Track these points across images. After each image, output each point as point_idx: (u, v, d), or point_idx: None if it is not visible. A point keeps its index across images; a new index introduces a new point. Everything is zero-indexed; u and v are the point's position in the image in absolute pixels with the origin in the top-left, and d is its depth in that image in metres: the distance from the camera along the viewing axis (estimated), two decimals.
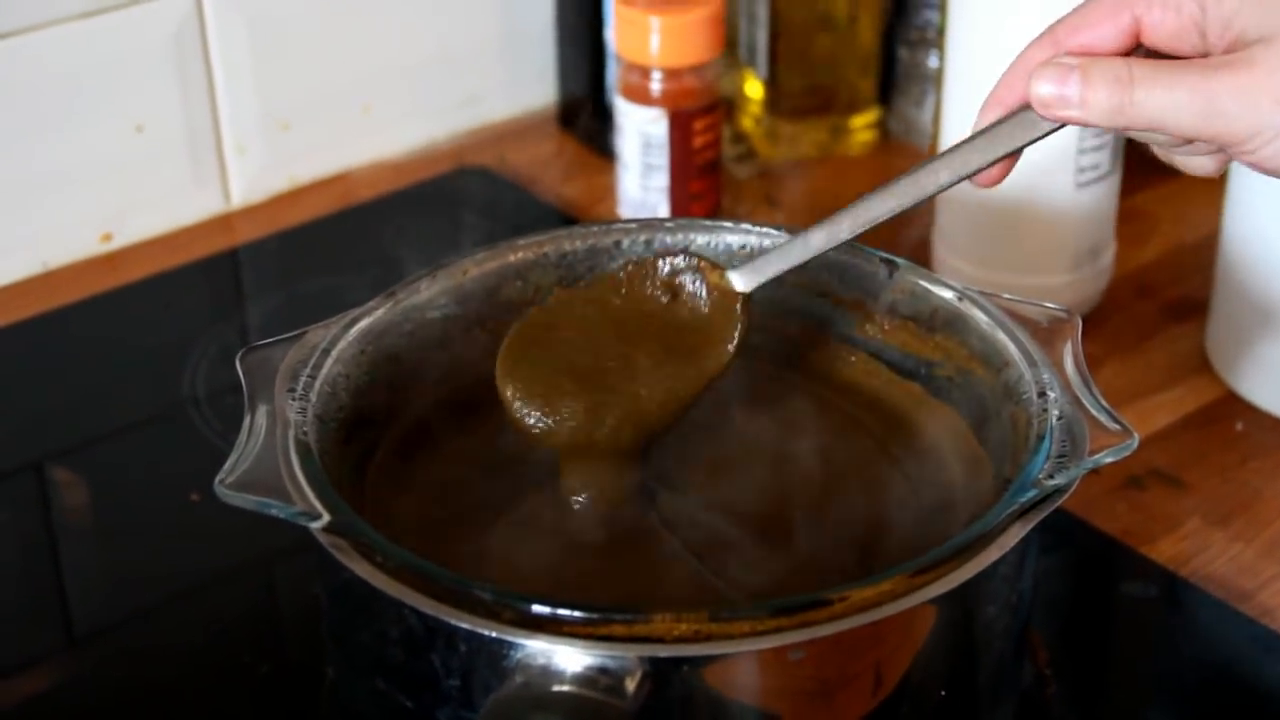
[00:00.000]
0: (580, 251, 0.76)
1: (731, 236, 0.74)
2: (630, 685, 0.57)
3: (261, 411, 0.66)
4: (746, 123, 1.11)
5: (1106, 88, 0.60)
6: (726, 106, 1.07)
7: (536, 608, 0.57)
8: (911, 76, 1.11)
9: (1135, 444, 0.63)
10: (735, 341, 0.69)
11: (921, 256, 0.95)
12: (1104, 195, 0.91)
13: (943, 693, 0.63)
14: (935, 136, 1.03)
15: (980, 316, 0.71)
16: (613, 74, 1.06)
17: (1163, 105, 0.59)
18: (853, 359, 0.76)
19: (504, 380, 0.69)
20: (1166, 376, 0.91)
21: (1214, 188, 0.97)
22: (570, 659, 0.57)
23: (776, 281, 0.76)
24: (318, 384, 0.68)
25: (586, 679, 0.57)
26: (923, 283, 0.74)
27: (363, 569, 0.60)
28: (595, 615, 0.57)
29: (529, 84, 1.15)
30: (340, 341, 0.70)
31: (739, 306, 0.69)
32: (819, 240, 0.67)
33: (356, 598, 0.62)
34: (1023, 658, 0.69)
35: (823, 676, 0.59)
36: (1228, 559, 0.80)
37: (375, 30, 1.07)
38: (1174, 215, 1.04)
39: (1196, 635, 0.77)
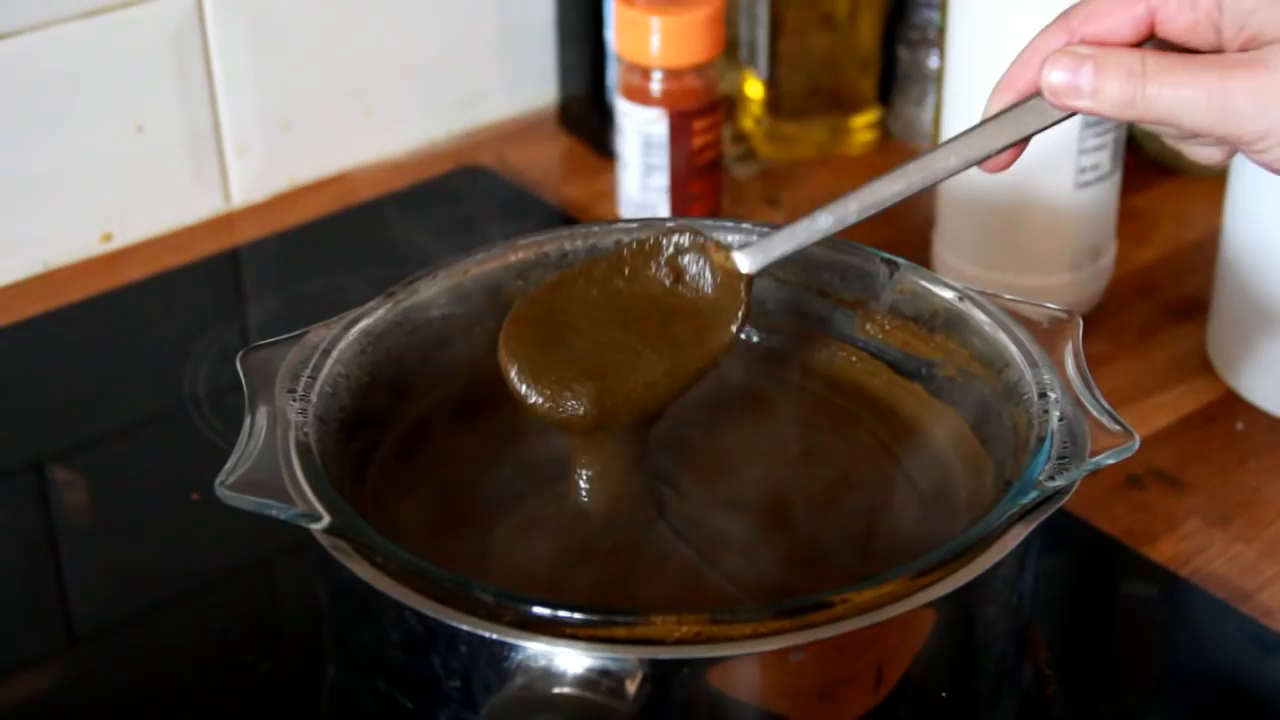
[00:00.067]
0: (580, 251, 0.76)
1: (732, 237, 0.74)
2: (631, 687, 0.57)
3: (262, 412, 0.66)
4: (747, 123, 1.11)
5: (1119, 80, 0.60)
6: (727, 106, 1.07)
7: (537, 609, 0.57)
8: (912, 76, 1.11)
9: (1136, 445, 0.63)
10: (738, 323, 0.68)
11: (922, 256, 0.95)
12: (1104, 195, 0.91)
13: (943, 693, 0.63)
14: (935, 136, 1.03)
15: (981, 317, 0.71)
16: (613, 74, 1.06)
17: (1175, 101, 0.59)
18: (854, 359, 0.76)
19: (506, 357, 0.68)
20: (1167, 376, 0.91)
21: (1214, 188, 0.97)
22: (571, 661, 0.57)
23: (778, 282, 0.77)
24: (318, 384, 0.68)
25: (587, 681, 0.57)
26: (924, 283, 0.73)
27: (363, 570, 0.60)
28: (596, 617, 0.57)
29: (529, 84, 1.15)
30: (341, 342, 0.70)
31: (743, 287, 0.68)
32: (826, 222, 0.66)
33: (357, 598, 0.62)
34: (1023, 657, 0.69)
35: (824, 678, 0.59)
36: (1228, 559, 0.80)
37: (376, 30, 1.07)
38: (1174, 215, 1.04)
39: (1196, 635, 0.77)
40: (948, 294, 0.73)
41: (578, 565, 0.67)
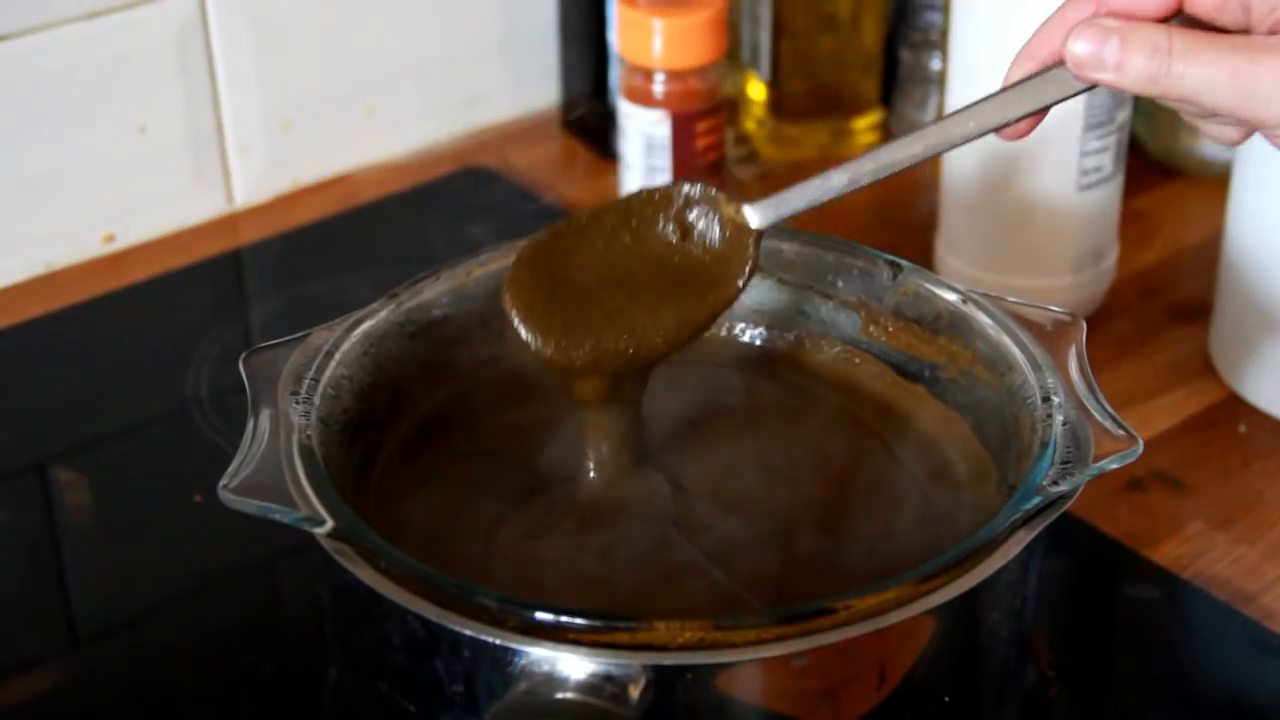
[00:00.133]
0: None
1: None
2: (634, 692, 0.56)
3: (265, 414, 0.65)
4: (749, 124, 1.11)
5: (1144, 55, 0.59)
6: (729, 108, 1.07)
7: (540, 614, 0.57)
8: (914, 78, 1.11)
9: (1140, 450, 0.63)
10: (745, 277, 0.67)
11: (924, 258, 0.95)
12: (1107, 197, 0.91)
13: (946, 697, 0.63)
14: None
15: (984, 319, 0.71)
16: (615, 75, 1.06)
17: (1199, 81, 0.59)
18: (857, 361, 0.76)
19: (510, 303, 0.67)
20: (1169, 379, 0.91)
21: (1217, 190, 0.97)
22: (574, 666, 0.57)
23: (781, 283, 0.77)
24: (321, 386, 0.68)
25: (590, 686, 0.57)
26: (927, 285, 0.73)
27: (366, 574, 0.60)
28: (599, 622, 0.57)
29: (532, 85, 1.15)
30: (343, 343, 0.70)
31: (751, 243, 0.67)
32: (840, 181, 0.65)
33: (360, 602, 0.62)
34: (1026, 660, 0.69)
35: (826, 683, 0.59)
36: (1230, 561, 0.80)
37: (378, 31, 1.07)
38: (1177, 217, 1.04)
39: (1199, 638, 0.77)
40: (951, 296, 0.73)
41: (581, 569, 0.67)
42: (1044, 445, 0.64)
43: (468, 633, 0.58)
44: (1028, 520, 0.62)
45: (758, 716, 0.60)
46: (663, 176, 0.98)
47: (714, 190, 0.68)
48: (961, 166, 0.92)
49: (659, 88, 0.97)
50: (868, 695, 0.60)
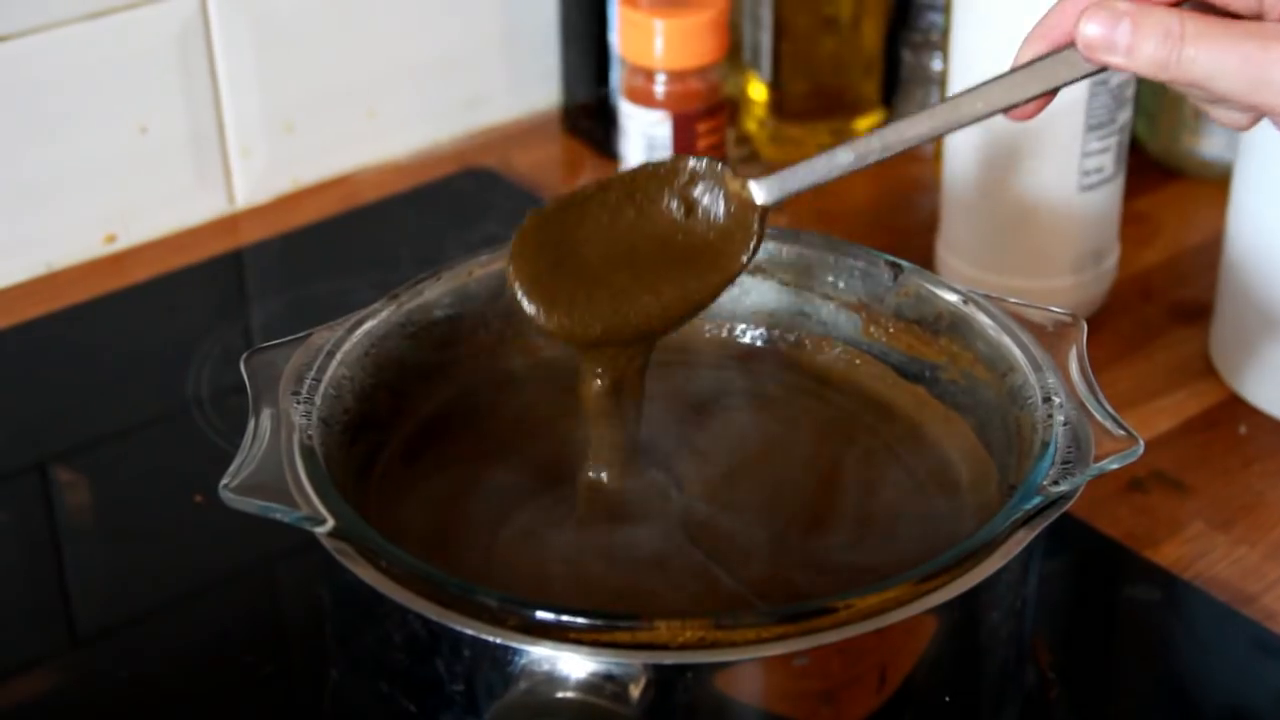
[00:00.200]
0: None
1: None
2: (635, 692, 0.57)
3: (266, 415, 0.65)
4: (750, 125, 1.11)
5: (1156, 40, 0.59)
6: (730, 109, 1.07)
7: (541, 614, 0.57)
8: (915, 79, 1.11)
9: (1140, 450, 0.63)
10: (749, 253, 0.67)
11: (925, 259, 0.95)
12: (1108, 198, 0.91)
13: (946, 697, 0.63)
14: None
15: (985, 320, 0.71)
16: (617, 76, 1.06)
17: (1210, 66, 0.59)
18: (857, 362, 0.76)
19: (514, 275, 0.67)
20: (1170, 379, 0.91)
21: (1218, 191, 0.97)
22: (575, 665, 0.57)
23: (782, 284, 0.77)
24: (322, 387, 0.68)
25: (591, 685, 0.57)
26: (928, 286, 0.74)
27: (367, 574, 0.60)
28: (600, 622, 0.57)
29: (533, 86, 1.15)
30: (345, 344, 0.70)
31: (756, 218, 0.67)
32: (846, 159, 0.65)
33: (361, 601, 0.62)
34: (1026, 661, 0.69)
35: (826, 682, 0.59)
36: (1231, 562, 0.80)
37: (379, 32, 1.07)
38: (1178, 218, 1.04)
39: (1199, 639, 0.77)
40: (951, 297, 0.73)
41: (582, 569, 0.67)
42: (1044, 445, 0.64)
43: (468, 632, 0.58)
44: (1028, 520, 0.62)
45: (758, 716, 0.60)
46: None
47: (719, 165, 0.67)
48: (962, 167, 0.92)
49: (660, 88, 0.97)
50: (868, 695, 0.61)
